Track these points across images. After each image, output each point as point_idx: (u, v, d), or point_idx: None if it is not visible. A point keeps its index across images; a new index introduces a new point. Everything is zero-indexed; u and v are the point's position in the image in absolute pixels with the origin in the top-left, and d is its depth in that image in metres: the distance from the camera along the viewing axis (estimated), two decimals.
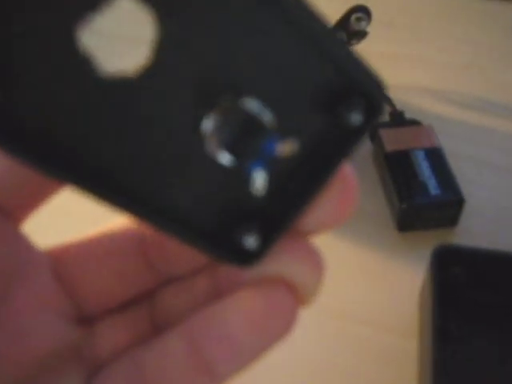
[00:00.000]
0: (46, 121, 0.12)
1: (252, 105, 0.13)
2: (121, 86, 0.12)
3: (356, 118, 0.13)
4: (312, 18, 0.12)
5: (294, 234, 0.15)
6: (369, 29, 0.41)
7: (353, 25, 0.42)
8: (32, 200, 0.15)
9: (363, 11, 0.41)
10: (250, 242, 0.14)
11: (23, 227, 0.15)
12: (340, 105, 0.13)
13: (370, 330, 0.32)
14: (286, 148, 0.13)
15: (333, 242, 0.36)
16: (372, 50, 0.45)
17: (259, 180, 0.13)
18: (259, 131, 0.13)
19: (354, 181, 0.14)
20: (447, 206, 0.35)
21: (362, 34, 0.42)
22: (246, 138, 0.13)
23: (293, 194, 0.14)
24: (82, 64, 0.11)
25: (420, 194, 0.35)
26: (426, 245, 0.32)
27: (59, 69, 0.11)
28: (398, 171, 0.36)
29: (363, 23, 0.42)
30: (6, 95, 0.11)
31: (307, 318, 0.32)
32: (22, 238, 0.15)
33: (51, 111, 0.12)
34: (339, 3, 0.42)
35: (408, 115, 0.40)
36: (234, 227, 0.14)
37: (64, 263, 0.16)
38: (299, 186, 0.14)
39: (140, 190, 0.13)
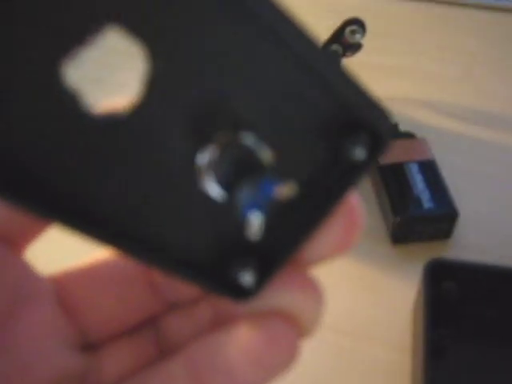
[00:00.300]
0: (31, 161, 0.11)
1: (250, 140, 0.12)
2: (111, 123, 0.11)
3: (360, 153, 0.12)
4: (314, 50, 0.11)
5: (293, 265, 0.15)
6: (364, 41, 0.42)
7: (347, 37, 0.42)
8: (33, 227, 0.15)
9: (357, 24, 0.42)
10: (246, 278, 0.14)
11: (25, 254, 0.15)
12: (344, 139, 0.13)
13: (363, 344, 0.32)
14: (284, 191, 0.12)
15: None
16: (367, 62, 0.46)
17: (255, 224, 0.12)
18: (257, 169, 0.12)
19: (359, 212, 0.14)
20: (441, 219, 0.35)
21: (356, 47, 0.43)
22: (242, 175, 0.12)
23: (291, 228, 0.14)
24: (69, 102, 0.11)
25: (414, 208, 0.35)
26: (419, 257, 0.32)
27: (45, 107, 0.11)
28: (391, 184, 0.36)
29: (358, 36, 0.42)
30: None
31: None
32: (24, 266, 0.15)
33: (37, 151, 0.11)
34: (334, 16, 0.43)
35: (402, 127, 0.40)
36: (230, 263, 0.14)
37: (67, 289, 0.16)
38: (298, 220, 0.13)
39: (132, 227, 0.13)
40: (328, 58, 0.12)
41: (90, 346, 0.16)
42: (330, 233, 0.14)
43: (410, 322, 0.32)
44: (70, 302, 0.16)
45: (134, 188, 0.12)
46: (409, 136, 0.40)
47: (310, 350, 0.32)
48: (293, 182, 0.13)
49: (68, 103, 0.11)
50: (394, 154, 0.38)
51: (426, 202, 0.35)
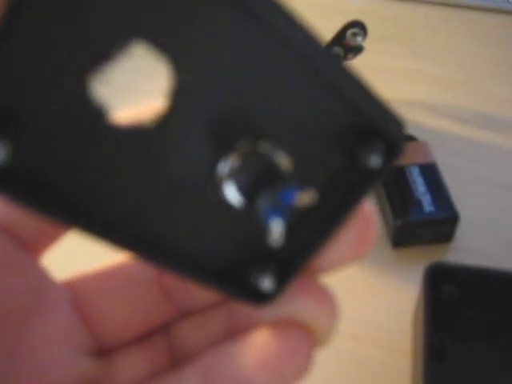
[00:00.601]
0: (58, 172, 0.12)
1: (269, 149, 0.12)
2: (136, 133, 0.12)
3: (376, 160, 0.13)
4: (330, 61, 0.12)
5: (308, 276, 0.15)
6: (365, 43, 0.42)
7: (349, 40, 0.42)
8: (51, 233, 0.15)
9: (359, 26, 0.42)
10: (266, 282, 0.14)
11: (42, 260, 0.16)
12: (360, 147, 0.13)
13: (363, 346, 0.32)
14: (305, 199, 0.12)
15: None
16: (368, 65, 0.46)
17: (277, 231, 0.12)
18: (276, 176, 0.12)
19: (373, 219, 0.14)
20: (441, 223, 0.35)
21: (358, 49, 0.43)
22: (262, 183, 0.12)
23: (309, 235, 0.14)
24: (95, 114, 0.11)
25: (414, 211, 0.35)
26: (420, 261, 0.32)
27: (71, 120, 0.11)
28: (392, 187, 0.36)
29: (359, 38, 0.42)
30: (16, 147, 0.11)
31: None
32: (41, 271, 0.15)
33: (62, 160, 0.12)
34: (336, 18, 0.43)
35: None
36: (250, 268, 0.14)
37: (82, 294, 0.16)
38: (315, 227, 0.14)
39: (156, 233, 0.13)
40: (342, 67, 0.12)
41: (104, 352, 0.16)
42: (344, 240, 0.14)
43: (411, 324, 0.32)
44: (85, 307, 0.16)
45: (158, 195, 0.13)
46: (410, 139, 0.40)
47: None
48: (312, 190, 0.13)
49: (94, 115, 0.11)
50: None
51: (427, 205, 0.35)
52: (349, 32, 0.42)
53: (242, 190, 0.13)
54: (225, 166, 0.12)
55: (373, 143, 0.13)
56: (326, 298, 0.15)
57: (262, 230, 0.13)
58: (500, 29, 0.53)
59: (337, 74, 0.12)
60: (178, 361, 0.16)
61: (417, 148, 0.38)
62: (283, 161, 0.13)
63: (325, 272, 0.15)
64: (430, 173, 0.36)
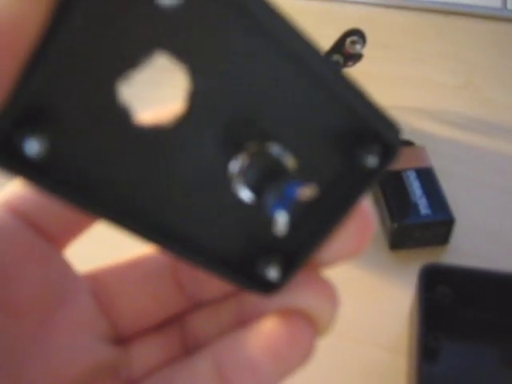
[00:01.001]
0: (88, 166, 0.13)
1: (276, 149, 0.14)
2: (156, 134, 0.13)
3: (373, 161, 0.14)
4: (329, 68, 0.13)
5: (311, 269, 0.16)
6: (365, 50, 0.43)
7: (348, 48, 0.43)
8: (74, 226, 0.17)
9: (358, 35, 0.43)
10: (272, 273, 0.15)
11: (65, 253, 0.17)
12: (358, 149, 0.14)
13: (360, 347, 0.33)
14: (306, 192, 0.14)
15: None
16: (367, 72, 0.47)
17: (281, 221, 0.13)
18: (282, 174, 0.14)
19: (371, 217, 0.15)
20: (437, 225, 0.36)
21: (357, 57, 0.44)
22: (269, 180, 0.14)
23: (311, 230, 0.15)
24: (121, 115, 0.13)
25: (411, 214, 0.36)
26: (417, 263, 0.33)
27: (100, 120, 0.13)
28: (390, 191, 0.37)
29: (358, 46, 0.43)
30: (52, 143, 0.12)
31: None
32: (65, 263, 0.17)
33: (94, 158, 0.13)
34: (335, 26, 0.44)
35: (402, 135, 0.41)
36: (258, 259, 0.15)
37: (101, 285, 0.17)
38: (318, 222, 0.15)
39: (171, 225, 0.14)
40: (341, 75, 0.13)
41: (121, 341, 0.17)
42: (344, 236, 0.15)
43: (408, 325, 0.33)
44: (104, 297, 0.17)
45: (174, 190, 0.14)
46: (408, 144, 0.41)
47: None
48: (314, 185, 0.14)
49: (121, 116, 0.13)
50: None
51: (424, 208, 0.36)
52: (348, 40, 0.43)
53: (251, 186, 0.14)
54: (235, 165, 0.14)
55: (370, 146, 0.14)
56: (328, 290, 0.16)
57: (269, 223, 0.14)
58: (497, 35, 0.54)
59: (335, 81, 0.13)
60: (191, 349, 0.17)
61: (414, 153, 0.39)
62: (288, 160, 0.14)
63: (326, 265, 0.16)
64: (427, 177, 0.37)
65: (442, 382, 0.30)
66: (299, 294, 0.16)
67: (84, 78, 0.12)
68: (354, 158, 0.14)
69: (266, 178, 0.14)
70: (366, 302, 0.35)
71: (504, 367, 0.30)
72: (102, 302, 0.17)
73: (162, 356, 0.17)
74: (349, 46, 0.43)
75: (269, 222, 0.14)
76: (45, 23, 0.11)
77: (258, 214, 0.14)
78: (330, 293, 0.16)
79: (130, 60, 0.12)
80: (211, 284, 0.17)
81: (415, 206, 0.36)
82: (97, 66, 0.12)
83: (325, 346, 0.32)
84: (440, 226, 0.36)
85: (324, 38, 0.42)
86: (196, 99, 0.13)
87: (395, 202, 0.36)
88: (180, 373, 0.16)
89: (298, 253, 0.15)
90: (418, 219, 0.35)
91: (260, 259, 0.15)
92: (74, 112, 0.12)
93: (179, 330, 0.18)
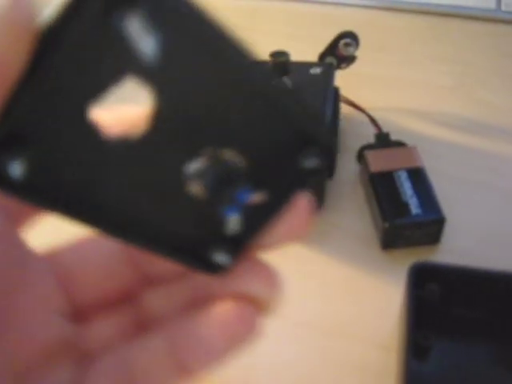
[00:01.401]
0: (63, 178, 0.15)
1: (230, 155, 0.16)
2: (124, 145, 0.15)
3: (312, 162, 0.16)
4: (265, 80, 0.15)
5: (254, 254, 0.18)
6: (358, 52, 0.43)
7: (341, 50, 0.44)
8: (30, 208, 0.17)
9: (351, 37, 0.43)
10: (221, 257, 0.17)
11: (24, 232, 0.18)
12: (299, 153, 0.16)
13: (352, 345, 0.33)
14: (257, 198, 0.16)
15: (318, 257, 0.37)
16: (360, 73, 0.47)
17: (233, 222, 0.16)
18: (235, 177, 0.16)
19: (307, 208, 0.18)
20: (428, 225, 0.36)
21: (350, 59, 0.44)
22: (223, 183, 0.16)
23: (256, 220, 0.17)
24: (92, 132, 0.14)
25: (402, 214, 0.36)
26: (408, 262, 0.33)
27: (73, 138, 0.14)
28: (381, 191, 0.38)
29: (351, 48, 0.43)
30: (33, 165, 0.14)
31: (290, 332, 0.33)
32: (22, 241, 0.17)
33: (68, 169, 0.15)
34: (329, 29, 0.44)
35: (394, 137, 0.42)
36: (209, 246, 0.17)
37: (58, 264, 0.18)
38: (262, 214, 0.17)
39: (134, 219, 0.16)
40: (277, 86, 0.15)
41: (79, 318, 0.19)
42: (284, 222, 0.17)
43: (398, 323, 0.33)
44: (61, 275, 0.18)
45: (137, 188, 0.16)
46: (399, 145, 0.41)
47: (300, 350, 0.33)
48: (263, 192, 0.17)
49: (90, 132, 0.14)
50: (384, 162, 0.39)
51: (415, 208, 0.36)
52: (341, 42, 0.43)
53: (206, 186, 0.16)
54: (193, 167, 0.16)
55: (308, 149, 0.16)
56: (268, 276, 0.18)
57: (220, 220, 0.17)
58: (492, 36, 0.54)
59: (270, 90, 0.15)
60: (146, 327, 0.19)
61: (406, 153, 0.40)
62: (240, 164, 0.16)
63: (268, 248, 0.18)
64: (418, 177, 0.38)
65: (431, 380, 0.30)
66: (244, 280, 0.18)
67: (59, 105, 0.14)
68: (296, 161, 0.16)
69: (220, 180, 0.16)
70: (357, 300, 0.35)
71: (493, 365, 0.31)
72: (59, 279, 0.18)
73: (118, 333, 0.19)
74: (342, 48, 0.43)
75: (221, 220, 0.17)
76: (26, 62, 0.13)
77: (212, 210, 0.17)
78: (270, 278, 0.18)
79: (100, 87, 0.14)
80: (164, 263, 0.18)
81: (406, 206, 0.36)
82: (70, 95, 0.13)
83: (315, 342, 0.33)
84: (431, 226, 0.36)
85: (320, 40, 0.43)
86: (160, 115, 0.14)
87: (386, 201, 0.37)
88: (135, 349, 0.18)
89: (243, 239, 0.18)
90: (409, 219, 0.36)
91: (211, 245, 0.17)
92: (50, 134, 0.14)
93: (135, 308, 0.19)
